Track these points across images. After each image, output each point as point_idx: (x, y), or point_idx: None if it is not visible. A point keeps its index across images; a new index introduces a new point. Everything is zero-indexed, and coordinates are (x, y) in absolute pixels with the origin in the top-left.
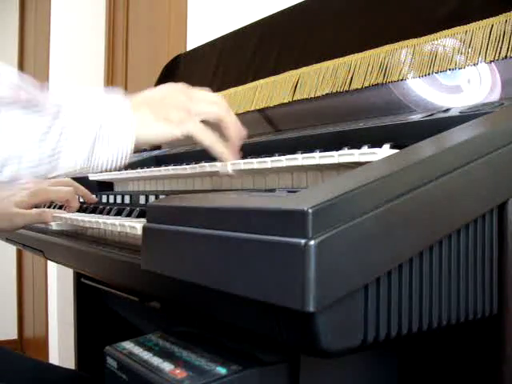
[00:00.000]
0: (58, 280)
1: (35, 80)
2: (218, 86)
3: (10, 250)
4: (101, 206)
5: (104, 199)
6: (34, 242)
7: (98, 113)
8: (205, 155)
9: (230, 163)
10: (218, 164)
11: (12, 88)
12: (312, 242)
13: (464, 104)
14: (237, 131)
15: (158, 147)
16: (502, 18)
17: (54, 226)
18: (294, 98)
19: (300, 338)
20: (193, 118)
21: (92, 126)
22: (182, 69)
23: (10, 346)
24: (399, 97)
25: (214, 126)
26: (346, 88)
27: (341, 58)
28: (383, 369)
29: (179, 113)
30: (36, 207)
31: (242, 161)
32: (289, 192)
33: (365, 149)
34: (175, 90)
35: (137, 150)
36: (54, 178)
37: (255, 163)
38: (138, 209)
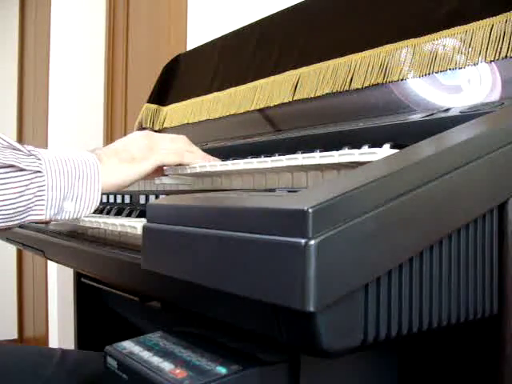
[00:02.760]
0: (58, 280)
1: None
2: (218, 86)
3: (10, 250)
4: (101, 206)
5: (104, 199)
6: (34, 242)
7: (71, 173)
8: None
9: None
10: (217, 164)
11: (4, 146)
12: (312, 242)
13: (464, 104)
14: (201, 157)
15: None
16: (502, 17)
17: (53, 225)
18: (294, 98)
19: (300, 337)
20: (157, 151)
21: (64, 185)
22: (182, 69)
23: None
24: (399, 97)
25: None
26: (346, 88)
27: (341, 58)
28: (383, 369)
29: (142, 152)
30: None
31: (242, 160)
32: (289, 192)
33: (365, 149)
34: (137, 135)
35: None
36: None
37: (255, 163)
38: (138, 209)
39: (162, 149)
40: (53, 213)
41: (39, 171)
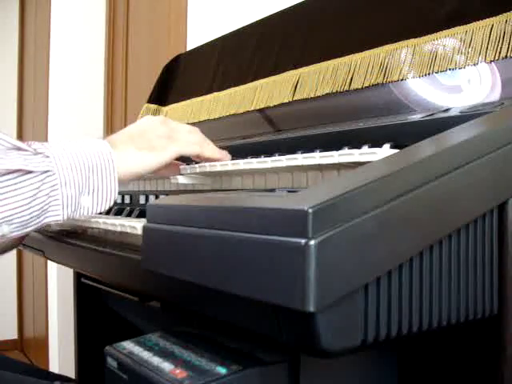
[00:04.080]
0: (58, 280)
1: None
2: (218, 86)
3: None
4: None
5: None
6: (34, 242)
7: (84, 165)
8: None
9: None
10: (217, 164)
11: (8, 148)
12: (312, 242)
13: (464, 104)
14: (216, 159)
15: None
16: (501, 17)
17: (53, 225)
18: (294, 98)
19: (300, 337)
20: (176, 141)
21: (78, 180)
22: (182, 69)
23: (9, 346)
24: (399, 97)
25: None
26: (346, 88)
27: (341, 58)
28: (383, 369)
29: (161, 140)
30: None
31: (242, 161)
32: (289, 192)
33: (365, 149)
34: (154, 122)
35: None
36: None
37: (255, 163)
38: (137, 209)
39: (181, 139)
40: (70, 211)
41: (49, 170)
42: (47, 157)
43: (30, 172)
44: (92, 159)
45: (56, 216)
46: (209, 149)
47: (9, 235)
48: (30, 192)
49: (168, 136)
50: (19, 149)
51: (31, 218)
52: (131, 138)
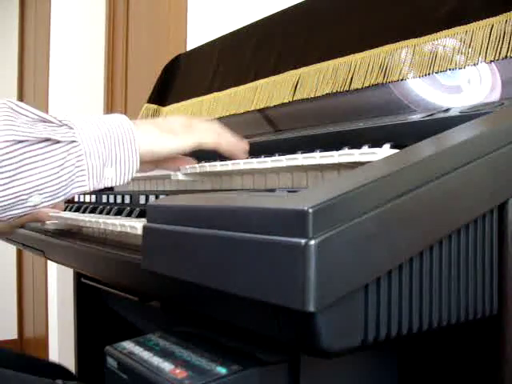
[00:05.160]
0: (58, 280)
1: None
2: (218, 86)
3: (10, 250)
4: (101, 206)
5: (104, 199)
6: (34, 242)
7: (106, 137)
8: (202, 155)
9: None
10: (217, 164)
11: (34, 120)
12: (312, 242)
13: (464, 104)
14: (234, 152)
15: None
16: (502, 17)
17: (54, 225)
18: (294, 98)
19: (300, 337)
20: (196, 132)
21: (102, 151)
22: (182, 69)
23: (9, 346)
24: (399, 97)
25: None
26: (346, 88)
27: (341, 58)
28: (383, 369)
29: (183, 127)
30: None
31: (242, 161)
32: (289, 192)
33: (365, 149)
34: (177, 116)
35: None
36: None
37: (255, 163)
38: (137, 209)
39: (202, 129)
40: (96, 181)
41: (74, 141)
42: (71, 128)
43: (58, 142)
44: (114, 131)
45: (82, 186)
46: (226, 140)
47: (40, 205)
48: (57, 162)
49: (189, 125)
50: (45, 120)
51: (60, 187)
52: (154, 122)
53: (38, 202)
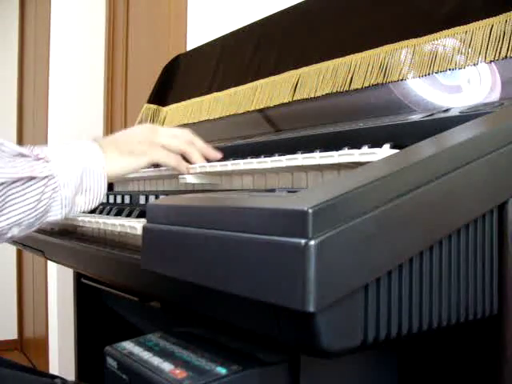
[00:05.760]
0: (58, 280)
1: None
2: (218, 86)
3: (10, 250)
4: (101, 206)
5: (104, 199)
6: (34, 242)
7: (79, 167)
8: None
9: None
10: (217, 164)
11: (14, 155)
12: (312, 242)
13: (464, 104)
14: (199, 159)
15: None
16: (502, 18)
17: (53, 225)
18: (294, 98)
19: (300, 337)
20: (155, 148)
21: (74, 181)
22: (182, 69)
23: (9, 346)
24: (399, 97)
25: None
26: (346, 88)
27: (341, 58)
28: (383, 369)
29: (142, 146)
30: None
31: (242, 161)
32: (289, 192)
33: (365, 149)
34: (141, 128)
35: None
36: None
37: (255, 163)
38: (137, 209)
39: (161, 147)
40: (67, 210)
41: (51, 175)
42: (47, 162)
43: (34, 178)
44: (85, 162)
45: (55, 216)
46: (183, 165)
47: (17, 236)
48: (35, 196)
49: (150, 142)
50: (23, 155)
51: (36, 219)
52: (115, 143)
53: (15, 233)
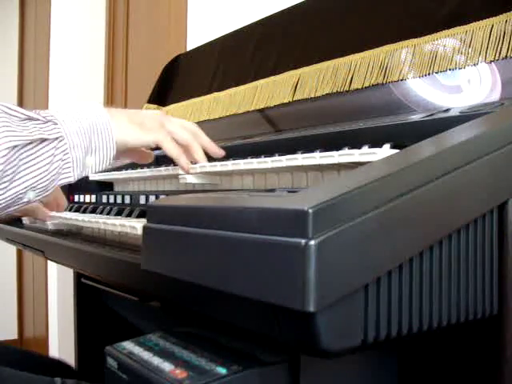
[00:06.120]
0: (58, 280)
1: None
2: (218, 86)
3: (10, 250)
4: (101, 206)
5: (104, 199)
6: (34, 242)
7: (87, 128)
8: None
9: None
10: (217, 164)
11: (23, 119)
12: (312, 242)
13: (464, 104)
14: (202, 157)
15: (158, 147)
16: (502, 18)
17: (54, 225)
18: (294, 98)
19: (300, 337)
20: (163, 130)
21: (83, 142)
22: (182, 69)
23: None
24: (399, 97)
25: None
26: (346, 88)
27: (341, 58)
28: (383, 369)
29: (153, 122)
30: None
31: (242, 161)
32: (289, 192)
33: (365, 149)
34: (152, 111)
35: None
36: None
37: (255, 163)
38: (138, 209)
39: (171, 126)
40: (79, 171)
41: (61, 136)
42: (56, 124)
43: (45, 140)
44: (92, 121)
45: (68, 178)
46: (183, 160)
47: (33, 200)
48: (47, 159)
49: (160, 123)
50: (32, 118)
51: (50, 182)
52: (126, 113)
53: (31, 197)
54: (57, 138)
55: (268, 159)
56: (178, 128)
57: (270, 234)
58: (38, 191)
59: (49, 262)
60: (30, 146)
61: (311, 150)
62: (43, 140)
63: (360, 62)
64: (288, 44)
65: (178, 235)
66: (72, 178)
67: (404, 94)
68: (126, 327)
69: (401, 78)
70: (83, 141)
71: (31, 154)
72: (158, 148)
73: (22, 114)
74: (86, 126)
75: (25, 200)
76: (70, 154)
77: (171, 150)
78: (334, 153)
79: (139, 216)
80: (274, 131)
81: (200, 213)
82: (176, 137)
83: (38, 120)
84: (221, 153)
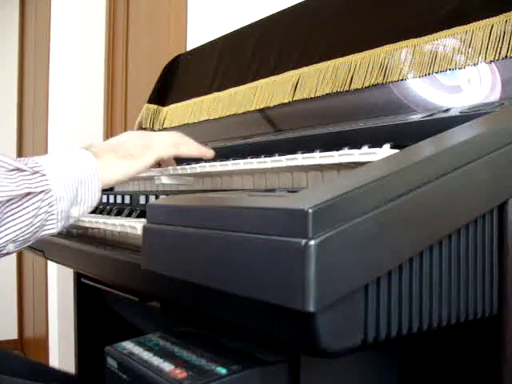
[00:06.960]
0: (58, 280)
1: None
2: (218, 86)
3: None
4: (101, 206)
5: (104, 199)
6: (34, 242)
7: (74, 179)
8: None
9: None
10: (217, 164)
11: (10, 170)
12: (312, 242)
13: (464, 104)
14: (198, 155)
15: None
16: (502, 18)
17: None
18: (294, 98)
19: (300, 337)
20: (154, 152)
21: (70, 194)
22: (182, 69)
23: (9, 346)
24: (399, 97)
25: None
26: (346, 88)
27: (341, 58)
28: (383, 369)
29: (140, 148)
30: None
31: (242, 161)
32: (289, 192)
33: (365, 149)
34: (132, 134)
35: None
36: None
37: (255, 163)
38: (138, 209)
39: (157, 144)
40: (63, 223)
41: (48, 189)
42: (43, 175)
43: (32, 192)
44: (80, 173)
45: (51, 229)
46: (184, 148)
47: (12, 251)
48: (32, 212)
49: (144, 145)
50: (19, 170)
51: (32, 234)
52: (112, 149)
53: (11, 249)
54: (43, 191)
55: (268, 159)
56: (162, 138)
57: (270, 234)
58: (18, 243)
59: (49, 262)
60: (15, 199)
61: (311, 150)
62: (29, 193)
63: (360, 62)
64: (288, 44)
65: (178, 235)
66: (55, 229)
67: (404, 94)
68: (126, 327)
69: (401, 77)
70: (70, 193)
71: (16, 207)
72: None
73: (10, 164)
74: (73, 177)
75: (3, 252)
76: (56, 206)
77: (170, 152)
78: (334, 153)
79: (139, 216)
80: (273, 131)
81: (200, 213)
82: (164, 153)
83: (26, 171)
84: (210, 154)
